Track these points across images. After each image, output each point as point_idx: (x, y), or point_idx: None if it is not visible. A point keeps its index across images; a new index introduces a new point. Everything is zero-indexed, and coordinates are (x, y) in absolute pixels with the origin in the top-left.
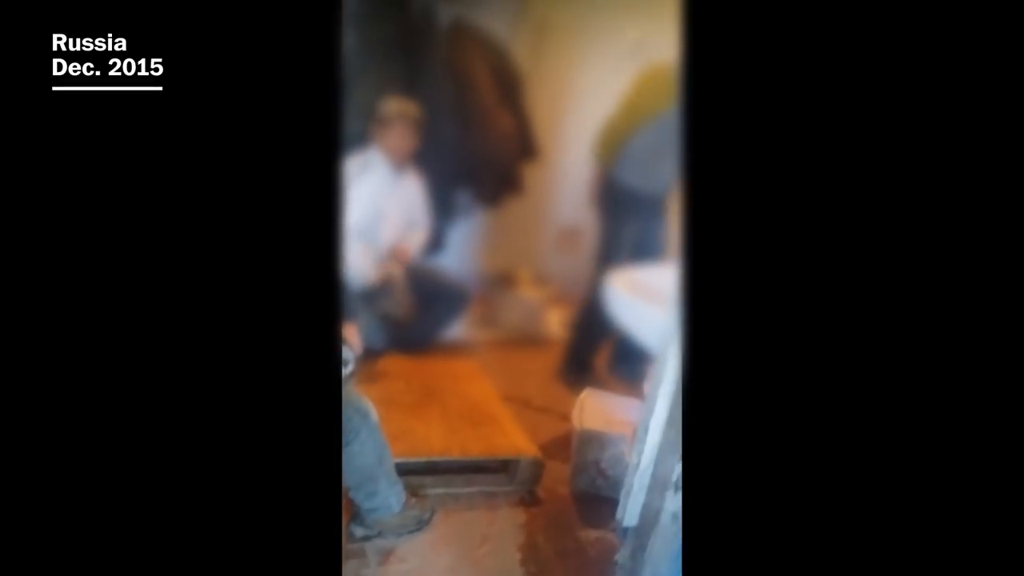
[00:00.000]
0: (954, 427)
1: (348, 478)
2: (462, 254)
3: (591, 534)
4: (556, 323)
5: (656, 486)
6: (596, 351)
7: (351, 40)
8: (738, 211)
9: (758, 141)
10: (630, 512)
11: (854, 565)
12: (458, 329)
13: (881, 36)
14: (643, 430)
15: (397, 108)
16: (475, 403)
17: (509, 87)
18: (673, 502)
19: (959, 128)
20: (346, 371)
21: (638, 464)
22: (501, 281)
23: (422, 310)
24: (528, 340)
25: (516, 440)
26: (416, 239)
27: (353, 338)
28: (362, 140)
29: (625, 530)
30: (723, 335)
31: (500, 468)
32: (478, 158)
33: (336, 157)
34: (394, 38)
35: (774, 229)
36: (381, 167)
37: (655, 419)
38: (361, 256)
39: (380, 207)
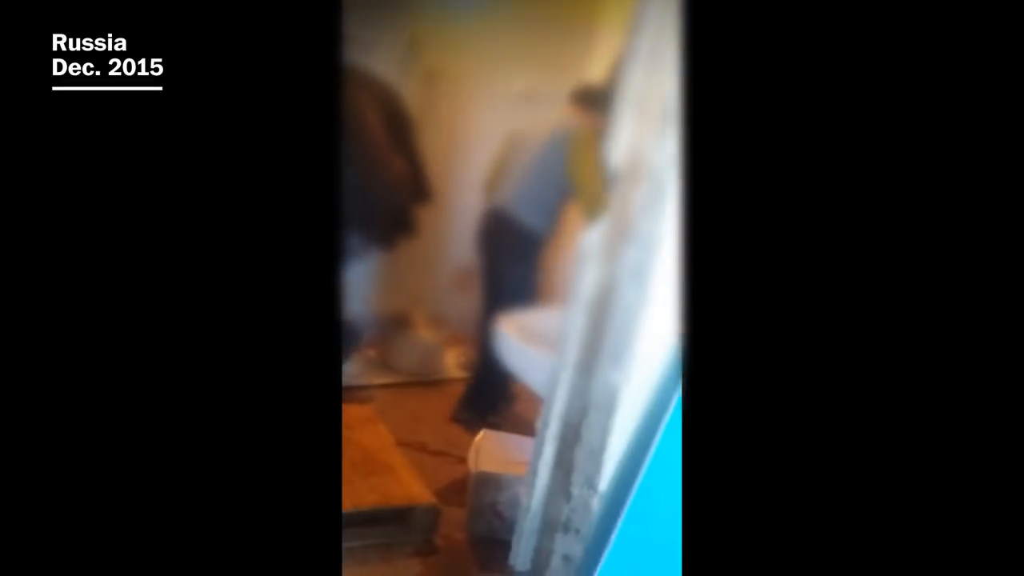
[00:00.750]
0: (954, 426)
1: None
2: (356, 297)
3: None
4: (454, 364)
5: (546, 528)
6: (495, 391)
7: None
8: (738, 211)
9: (757, 144)
10: (522, 556)
11: (854, 565)
12: (353, 373)
13: (883, 41)
14: (531, 473)
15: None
16: (369, 452)
17: (401, 131)
18: (563, 544)
19: (958, 131)
20: None
21: (528, 507)
22: (397, 323)
23: None
24: (425, 382)
25: (411, 488)
26: None
27: None
28: None
29: (519, 575)
30: (721, 340)
31: (395, 518)
32: (371, 201)
33: (337, 157)
34: None
35: (773, 232)
36: None
37: (543, 461)
38: None
39: None
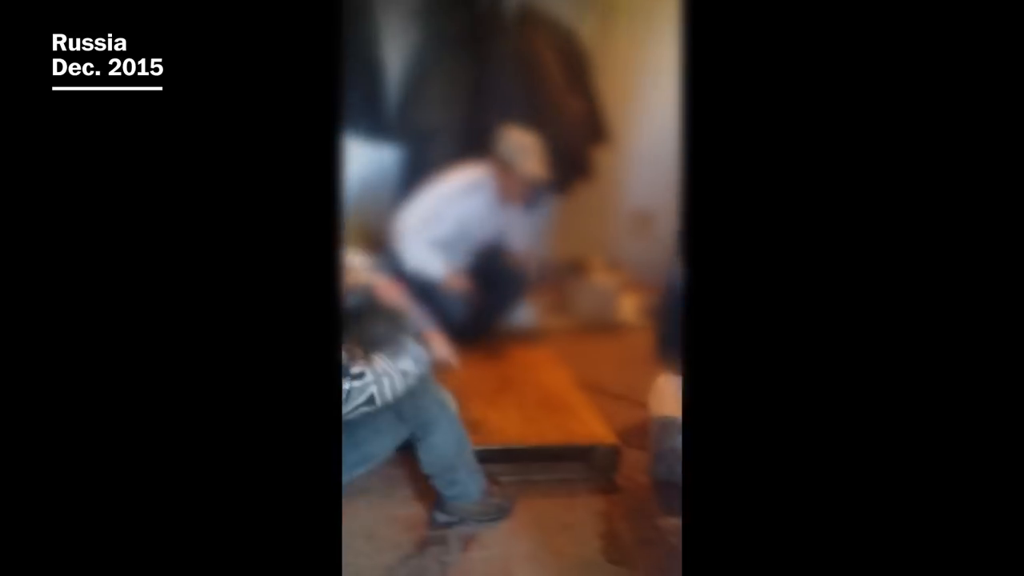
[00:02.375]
0: (954, 425)
1: (428, 467)
2: (533, 241)
3: (672, 522)
4: (630, 309)
5: None
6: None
7: (418, 36)
8: (737, 211)
9: (759, 148)
10: None
11: (855, 566)
12: (531, 317)
13: (886, 48)
14: None
15: (530, 146)
16: (551, 391)
17: (578, 72)
18: None
19: (957, 135)
20: (419, 370)
21: None
22: (573, 268)
23: (482, 296)
24: (602, 327)
25: (593, 427)
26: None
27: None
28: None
29: None
30: (726, 336)
31: (578, 456)
32: (549, 144)
33: (336, 158)
34: (461, 31)
35: (777, 232)
36: (486, 195)
37: None
38: (425, 259)
39: (470, 231)
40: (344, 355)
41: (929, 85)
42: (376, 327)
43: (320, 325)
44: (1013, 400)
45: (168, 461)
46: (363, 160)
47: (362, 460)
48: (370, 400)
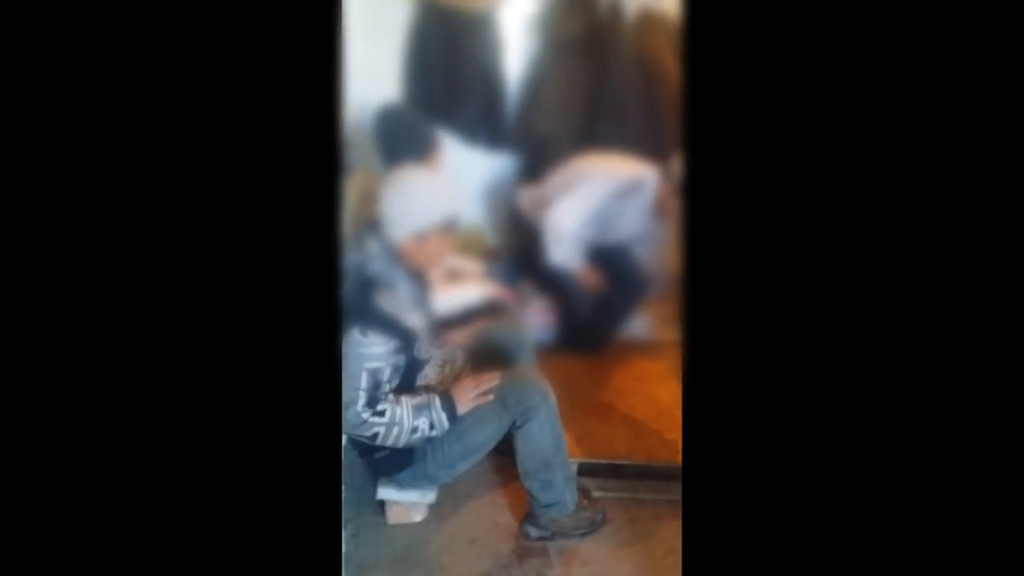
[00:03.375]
0: (953, 425)
1: (525, 462)
2: (650, 251)
3: None
4: None
5: None
6: None
7: (537, 44)
8: (737, 212)
9: (757, 143)
10: None
11: (855, 566)
12: (648, 328)
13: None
14: None
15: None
16: (663, 407)
17: None
18: None
19: (956, 132)
20: (432, 434)
21: None
22: None
23: (600, 304)
24: None
25: None
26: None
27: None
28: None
29: None
30: (725, 336)
31: None
32: (670, 149)
33: (336, 158)
34: (580, 36)
35: (773, 233)
36: (645, 202)
37: None
38: (572, 245)
39: (616, 230)
40: (376, 389)
41: (928, 85)
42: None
43: (318, 322)
44: (1013, 399)
45: (161, 470)
46: (481, 169)
47: (467, 452)
48: (373, 437)
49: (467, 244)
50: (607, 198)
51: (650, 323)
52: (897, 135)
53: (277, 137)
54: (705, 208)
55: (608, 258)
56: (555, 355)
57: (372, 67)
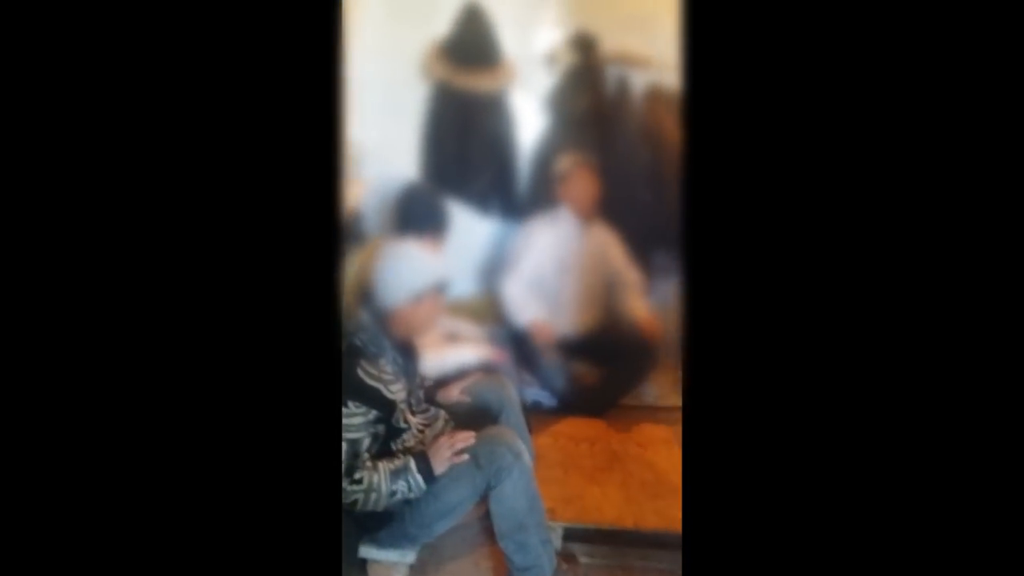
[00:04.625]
0: (953, 425)
1: (500, 523)
2: (661, 318)
3: None
4: None
5: None
6: None
7: (549, 119)
8: (737, 212)
9: (756, 147)
10: None
11: (854, 567)
12: (656, 394)
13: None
14: None
15: (572, 160)
16: (660, 473)
17: None
18: None
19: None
20: (410, 496)
21: None
22: None
23: (607, 371)
24: None
25: None
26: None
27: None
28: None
29: None
30: (725, 343)
31: (678, 544)
32: (675, 219)
33: (336, 160)
34: (589, 111)
35: (772, 233)
36: (566, 219)
37: None
38: (521, 302)
39: (563, 258)
40: (355, 458)
41: (927, 85)
42: (474, 394)
43: (319, 329)
44: (1013, 399)
45: (157, 487)
46: (494, 238)
47: (443, 512)
48: (352, 504)
49: (471, 312)
50: (527, 235)
51: (659, 389)
52: (891, 198)
53: (280, 212)
54: (705, 276)
55: (608, 331)
56: (557, 418)
57: (391, 145)
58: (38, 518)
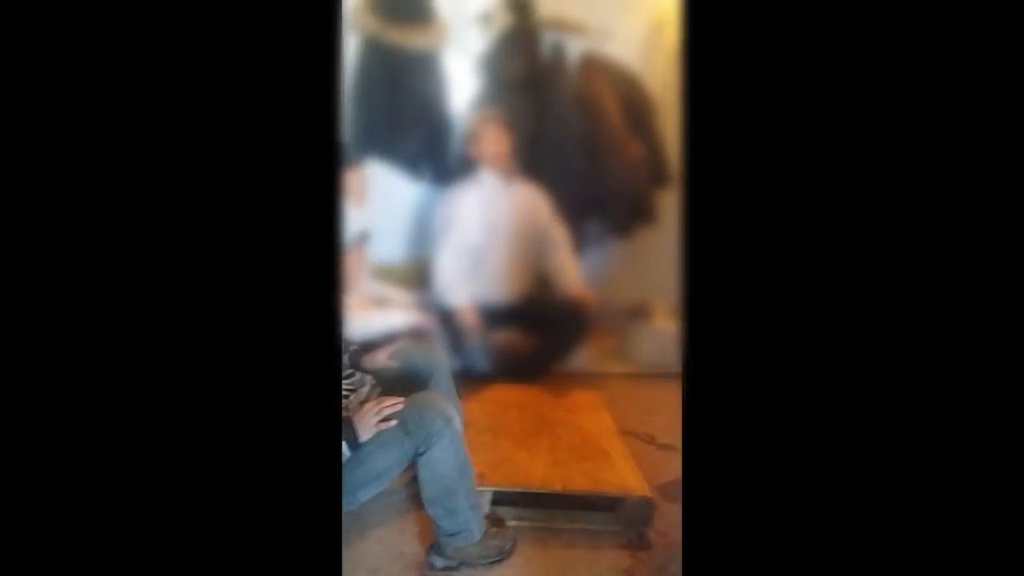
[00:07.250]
0: (953, 426)
1: (428, 488)
2: (594, 285)
3: None
4: None
5: None
6: None
7: (481, 83)
8: (737, 212)
9: (756, 148)
10: None
11: (855, 567)
12: (588, 360)
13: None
14: None
15: (481, 115)
16: (588, 436)
17: (641, 116)
18: None
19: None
20: (358, 395)
21: None
22: (635, 313)
23: (539, 338)
24: (661, 374)
25: (626, 477)
26: (565, 270)
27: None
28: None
29: None
30: (725, 345)
31: (606, 506)
32: (610, 188)
33: (335, 161)
34: (523, 78)
35: (772, 234)
36: (488, 181)
37: None
38: (451, 279)
39: (491, 220)
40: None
41: (926, 85)
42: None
43: (319, 328)
44: (1013, 400)
45: (153, 486)
46: (425, 204)
47: (368, 479)
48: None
49: (400, 277)
50: (450, 205)
51: (591, 356)
52: (892, 187)
53: (279, 207)
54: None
55: (539, 301)
56: (489, 384)
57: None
58: (38, 518)
